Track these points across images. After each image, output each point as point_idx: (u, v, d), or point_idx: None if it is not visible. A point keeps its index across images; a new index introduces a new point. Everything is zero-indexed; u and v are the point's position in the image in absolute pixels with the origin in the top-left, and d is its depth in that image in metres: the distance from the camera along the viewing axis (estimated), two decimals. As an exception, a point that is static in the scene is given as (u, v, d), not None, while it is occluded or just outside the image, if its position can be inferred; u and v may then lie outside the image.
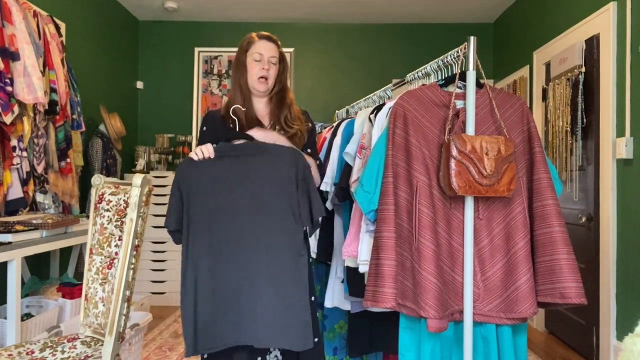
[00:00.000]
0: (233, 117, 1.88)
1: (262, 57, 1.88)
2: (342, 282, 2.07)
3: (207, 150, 1.73)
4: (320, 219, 1.78)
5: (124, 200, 1.89)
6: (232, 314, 1.66)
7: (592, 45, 3.14)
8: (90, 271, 1.93)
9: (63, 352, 1.80)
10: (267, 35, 1.93)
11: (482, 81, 1.72)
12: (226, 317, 1.66)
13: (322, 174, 2.10)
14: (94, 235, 1.96)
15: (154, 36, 5.20)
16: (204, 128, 1.95)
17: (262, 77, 1.88)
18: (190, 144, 5.07)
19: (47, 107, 2.94)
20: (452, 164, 1.55)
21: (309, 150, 1.98)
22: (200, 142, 1.94)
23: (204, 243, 1.69)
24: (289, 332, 1.63)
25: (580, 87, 3.17)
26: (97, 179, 2.01)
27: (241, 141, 1.78)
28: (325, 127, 3.10)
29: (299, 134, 1.91)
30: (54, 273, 3.37)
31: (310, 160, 1.93)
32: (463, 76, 1.68)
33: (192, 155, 1.74)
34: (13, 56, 2.60)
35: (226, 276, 1.67)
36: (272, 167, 1.70)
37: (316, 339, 1.84)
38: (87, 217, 3.08)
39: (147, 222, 1.93)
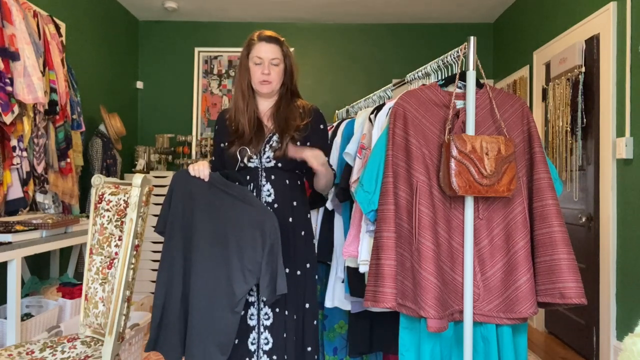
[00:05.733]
0: (234, 123, 1.89)
1: (262, 60, 1.83)
2: (343, 282, 2.07)
3: (202, 173, 1.75)
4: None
5: (124, 200, 1.89)
6: (182, 325, 1.74)
7: (592, 45, 3.14)
8: (90, 271, 1.93)
9: (63, 352, 1.80)
10: (267, 36, 1.85)
11: (482, 81, 1.72)
12: (179, 327, 1.73)
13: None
14: (94, 235, 1.96)
15: (154, 36, 5.20)
16: (217, 127, 1.98)
17: (264, 81, 1.84)
18: (190, 144, 5.07)
19: (47, 107, 2.94)
20: (452, 164, 1.55)
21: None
22: (214, 141, 1.98)
23: (178, 248, 1.75)
24: None
25: (580, 87, 3.17)
26: (97, 179, 2.01)
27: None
28: (325, 127, 3.10)
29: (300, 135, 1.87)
30: (54, 273, 3.37)
31: (331, 172, 1.90)
32: (463, 76, 1.68)
33: (190, 169, 1.76)
34: (13, 56, 2.60)
35: (185, 287, 1.75)
36: (249, 219, 1.71)
37: (309, 348, 1.83)
38: (87, 217, 3.08)
39: (147, 222, 1.93)
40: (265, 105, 1.93)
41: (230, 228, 1.71)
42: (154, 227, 1.82)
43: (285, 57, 1.87)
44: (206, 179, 1.75)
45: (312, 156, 1.73)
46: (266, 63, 1.83)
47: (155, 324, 1.74)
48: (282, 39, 1.88)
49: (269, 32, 1.87)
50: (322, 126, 1.94)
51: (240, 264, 1.68)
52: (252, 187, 1.84)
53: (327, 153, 1.96)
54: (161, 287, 1.75)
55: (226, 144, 1.88)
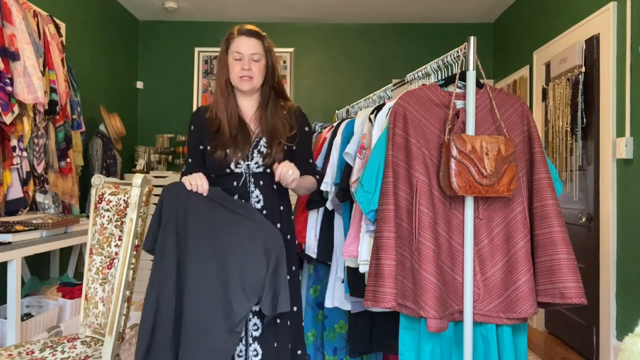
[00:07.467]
0: (216, 121, 1.79)
1: (242, 55, 1.74)
2: (343, 282, 2.07)
3: (201, 186, 1.66)
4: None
5: (124, 200, 1.89)
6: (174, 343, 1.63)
7: (592, 45, 3.14)
8: (90, 271, 1.93)
9: (63, 352, 1.80)
10: (247, 29, 1.76)
11: (482, 81, 1.72)
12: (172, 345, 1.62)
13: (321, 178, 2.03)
14: (94, 235, 1.96)
15: (154, 36, 5.20)
16: (192, 127, 1.85)
17: (244, 77, 1.75)
18: (190, 144, 5.07)
19: (47, 107, 2.94)
20: (452, 164, 1.55)
21: (310, 161, 1.87)
22: (189, 141, 1.87)
23: (170, 267, 1.65)
24: None
25: (580, 87, 3.17)
26: (97, 179, 2.01)
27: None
28: (325, 127, 3.10)
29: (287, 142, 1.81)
30: (54, 273, 3.37)
31: (309, 180, 1.84)
32: (463, 76, 1.68)
33: (186, 182, 1.66)
34: (13, 56, 2.60)
35: (178, 307, 1.64)
36: (252, 236, 1.64)
37: (299, 352, 1.80)
38: (87, 217, 3.07)
39: (147, 222, 1.93)
40: (247, 105, 1.84)
41: (230, 245, 1.63)
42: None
43: (266, 53, 1.79)
44: (205, 194, 1.67)
45: (283, 176, 1.66)
46: (246, 58, 1.74)
47: (143, 346, 1.61)
48: (264, 34, 1.80)
49: (249, 26, 1.78)
50: (307, 128, 1.89)
51: (241, 282, 1.60)
52: (239, 193, 1.78)
53: (311, 155, 1.92)
54: (150, 308, 1.63)
55: (209, 147, 1.79)
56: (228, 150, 1.75)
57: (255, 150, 1.78)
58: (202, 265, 1.62)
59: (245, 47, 1.75)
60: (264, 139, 1.79)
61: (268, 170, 1.77)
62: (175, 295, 1.63)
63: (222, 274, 1.62)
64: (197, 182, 1.66)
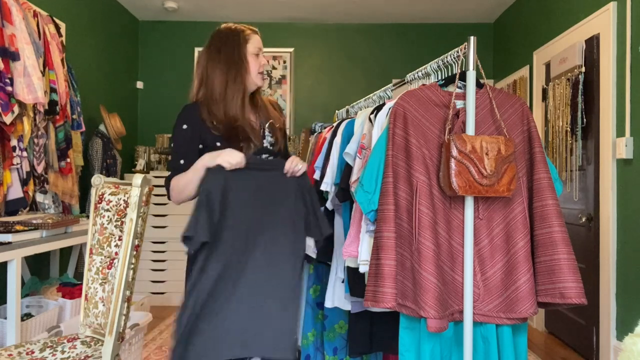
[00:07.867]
0: (215, 120, 1.78)
1: (260, 51, 1.86)
2: (343, 282, 2.07)
3: (238, 160, 1.63)
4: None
5: (124, 200, 1.89)
6: (228, 328, 1.60)
7: (592, 45, 3.14)
8: (90, 271, 1.93)
9: (63, 352, 1.80)
10: (256, 29, 1.90)
11: (482, 81, 1.72)
12: (220, 330, 1.59)
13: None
14: (94, 235, 1.96)
15: (154, 36, 5.20)
16: (184, 126, 1.80)
17: (261, 73, 1.86)
18: (190, 144, 5.07)
19: (47, 107, 2.94)
20: (452, 164, 1.55)
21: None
22: (183, 141, 1.80)
23: (220, 253, 1.61)
24: (279, 345, 1.62)
25: (580, 87, 3.17)
26: (97, 179, 2.01)
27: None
28: (325, 127, 3.10)
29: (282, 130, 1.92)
30: (54, 273, 3.37)
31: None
32: (463, 76, 1.67)
33: (224, 163, 1.62)
34: (13, 56, 2.60)
35: (232, 288, 1.61)
36: (290, 186, 1.73)
37: (294, 337, 1.82)
38: (87, 217, 3.08)
39: (147, 222, 1.93)
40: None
41: (284, 207, 1.70)
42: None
43: None
44: (242, 165, 1.64)
45: (293, 171, 1.75)
46: (261, 55, 1.87)
47: (183, 339, 1.57)
48: None
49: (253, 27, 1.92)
50: (283, 118, 2.02)
51: (293, 232, 1.70)
52: None
53: (286, 143, 2.06)
54: (194, 296, 1.60)
55: (218, 143, 1.76)
56: (243, 145, 1.77)
57: (264, 140, 1.85)
58: (263, 234, 1.67)
59: (261, 45, 1.87)
60: (267, 128, 1.86)
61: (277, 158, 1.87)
62: (219, 275, 1.60)
63: (279, 234, 1.69)
64: (235, 160, 1.63)
